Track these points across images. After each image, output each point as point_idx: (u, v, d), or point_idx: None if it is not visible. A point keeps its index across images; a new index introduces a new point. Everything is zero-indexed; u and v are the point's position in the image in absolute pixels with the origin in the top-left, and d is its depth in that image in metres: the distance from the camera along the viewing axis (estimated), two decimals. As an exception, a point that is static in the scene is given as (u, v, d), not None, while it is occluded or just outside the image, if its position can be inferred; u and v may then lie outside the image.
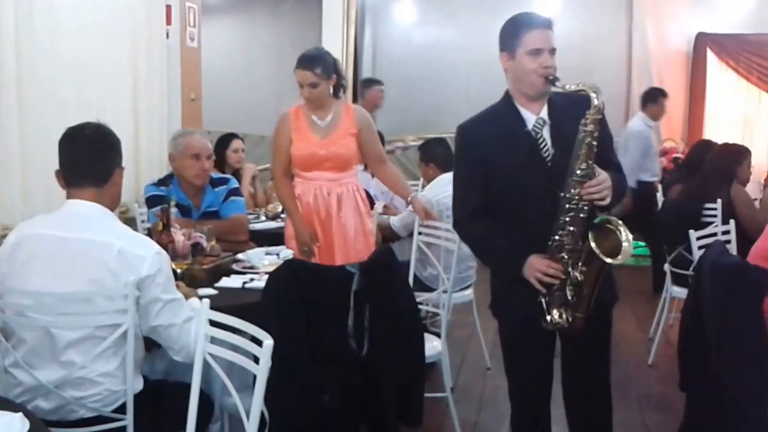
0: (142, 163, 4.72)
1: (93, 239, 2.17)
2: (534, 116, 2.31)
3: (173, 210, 3.16)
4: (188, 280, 2.73)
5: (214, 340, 2.01)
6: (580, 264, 2.23)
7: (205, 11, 5.92)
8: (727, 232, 3.95)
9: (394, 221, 4.29)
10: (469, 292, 4.32)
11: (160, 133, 4.81)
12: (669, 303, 4.62)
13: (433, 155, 4.43)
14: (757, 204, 4.83)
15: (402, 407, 2.62)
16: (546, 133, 2.30)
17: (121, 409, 2.20)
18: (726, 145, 4.98)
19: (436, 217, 3.83)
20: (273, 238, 3.78)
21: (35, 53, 3.72)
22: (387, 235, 4.24)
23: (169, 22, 5.05)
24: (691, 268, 3.66)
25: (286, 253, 3.25)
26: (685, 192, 4.77)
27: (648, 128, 6.24)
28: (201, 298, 2.42)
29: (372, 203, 4.18)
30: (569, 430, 2.56)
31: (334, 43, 7.72)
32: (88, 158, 2.27)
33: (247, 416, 1.85)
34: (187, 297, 2.40)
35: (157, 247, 2.23)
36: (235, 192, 3.72)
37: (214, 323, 2.03)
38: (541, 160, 2.29)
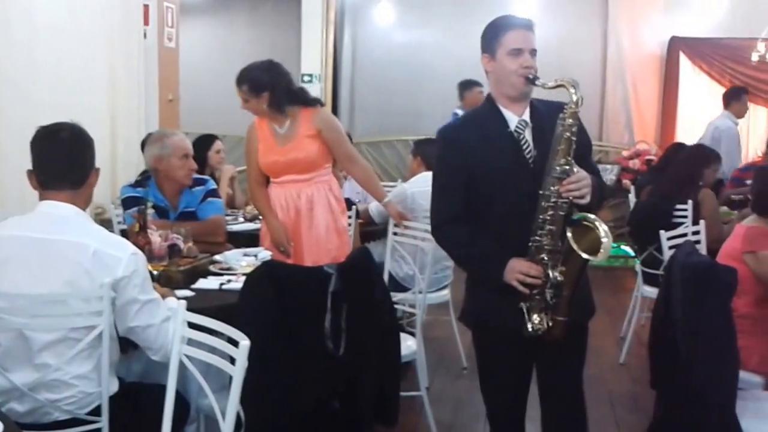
0: (119, 164, 4.71)
1: (68, 240, 2.17)
2: (517, 117, 2.31)
3: (150, 212, 3.16)
4: (165, 282, 2.74)
5: (190, 342, 2.02)
6: (559, 264, 2.19)
7: (183, 11, 5.92)
8: (697, 233, 4.03)
9: (372, 207, 4.37)
10: (446, 292, 4.36)
11: (137, 133, 4.80)
12: (640, 302, 4.69)
13: (423, 152, 4.50)
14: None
15: (378, 407, 2.65)
16: (528, 134, 2.30)
17: (96, 412, 2.20)
18: (697, 147, 5.07)
19: (410, 219, 3.90)
20: (251, 240, 3.80)
21: (11, 53, 3.71)
22: (365, 220, 4.35)
23: (146, 22, 5.04)
24: (662, 268, 3.72)
25: (264, 254, 3.26)
26: (655, 192, 4.85)
27: (736, 126, 6.27)
28: (179, 298, 2.43)
29: (351, 204, 4.22)
30: None
31: (314, 44, 7.74)
32: (65, 161, 2.27)
33: (224, 417, 1.87)
34: (164, 297, 2.40)
35: (132, 248, 2.23)
36: (213, 193, 3.73)
37: (190, 325, 2.04)
38: (523, 161, 2.27)
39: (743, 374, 2.81)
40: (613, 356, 4.62)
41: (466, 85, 6.74)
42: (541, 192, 2.19)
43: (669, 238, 3.81)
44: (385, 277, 3.74)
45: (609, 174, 7.19)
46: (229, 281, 2.84)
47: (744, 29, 7.39)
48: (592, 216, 2.22)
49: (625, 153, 7.51)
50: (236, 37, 9.08)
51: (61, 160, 2.27)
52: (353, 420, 2.55)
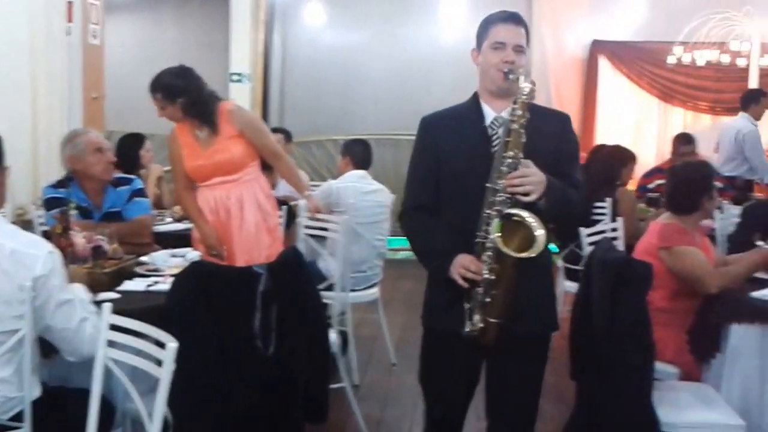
0: (41, 163, 4.58)
1: (-17, 241, 2.11)
2: (495, 114, 2.25)
3: (73, 213, 3.10)
4: (89, 284, 2.69)
5: (116, 345, 2.00)
6: (495, 261, 2.12)
7: (109, 8, 5.80)
8: (615, 230, 4.18)
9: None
10: (375, 290, 4.39)
11: (60, 132, 4.65)
12: (563, 297, 4.83)
13: (351, 151, 4.53)
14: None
15: (307, 405, 2.67)
16: (503, 132, 2.21)
17: (19, 417, 2.15)
18: (615, 147, 5.24)
19: (326, 212, 3.94)
20: (179, 240, 3.75)
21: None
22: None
23: (70, 19, 4.92)
24: (582, 264, 3.85)
25: (192, 255, 3.23)
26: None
27: (756, 127, 6.31)
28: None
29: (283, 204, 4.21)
30: None
31: (243, 42, 7.69)
32: None
33: (151, 420, 1.85)
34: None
35: (49, 246, 2.19)
36: (139, 193, 3.67)
37: (116, 327, 2.02)
38: (488, 157, 2.19)
39: (659, 365, 2.93)
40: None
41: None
42: (487, 185, 2.13)
43: (588, 235, 3.94)
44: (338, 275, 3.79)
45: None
46: (156, 282, 2.80)
47: (661, 33, 7.67)
48: (525, 212, 2.09)
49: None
50: (164, 34, 8.93)
51: None
52: (283, 419, 2.56)
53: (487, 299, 2.14)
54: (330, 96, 8.35)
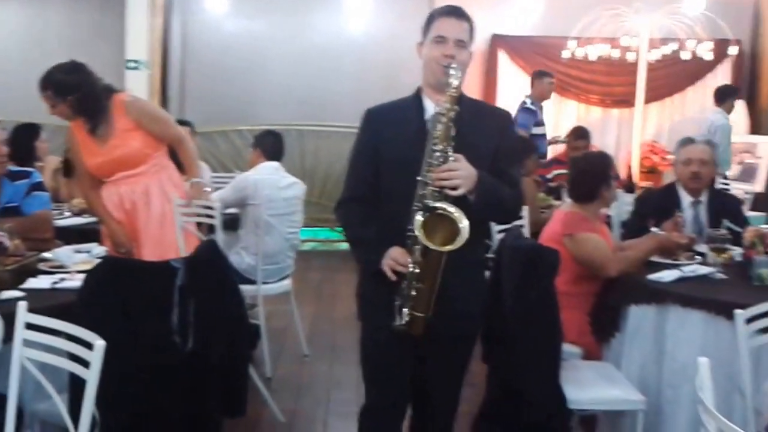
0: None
1: None
2: (437, 109, 2.22)
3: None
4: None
5: (31, 344, 1.94)
6: (422, 255, 2.11)
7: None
8: (520, 218, 4.34)
9: (216, 194, 4.22)
10: (287, 282, 4.40)
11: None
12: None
13: (263, 143, 4.49)
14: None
15: (226, 399, 2.65)
16: (431, 126, 2.20)
17: None
18: (519, 138, 5.41)
19: (207, 198, 3.82)
20: (81, 235, 3.64)
21: None
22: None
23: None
24: (492, 252, 3.97)
25: (98, 250, 3.14)
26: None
27: (728, 121, 6.73)
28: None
29: None
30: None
31: (140, 28, 7.45)
32: None
33: (75, 422, 1.81)
34: None
35: None
36: (38, 186, 3.52)
37: (30, 326, 1.95)
38: (424, 151, 2.17)
39: (564, 346, 3.06)
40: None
41: (538, 75, 6.79)
42: (418, 178, 2.13)
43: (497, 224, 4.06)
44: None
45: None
46: (62, 279, 2.70)
47: (557, 28, 7.90)
48: (449, 205, 2.09)
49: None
50: (55, 18, 8.43)
51: None
52: (202, 413, 2.54)
53: (413, 292, 2.14)
54: (233, 85, 8.18)
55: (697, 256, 3.28)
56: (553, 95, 8.50)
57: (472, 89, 8.37)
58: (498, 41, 8.40)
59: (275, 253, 4.26)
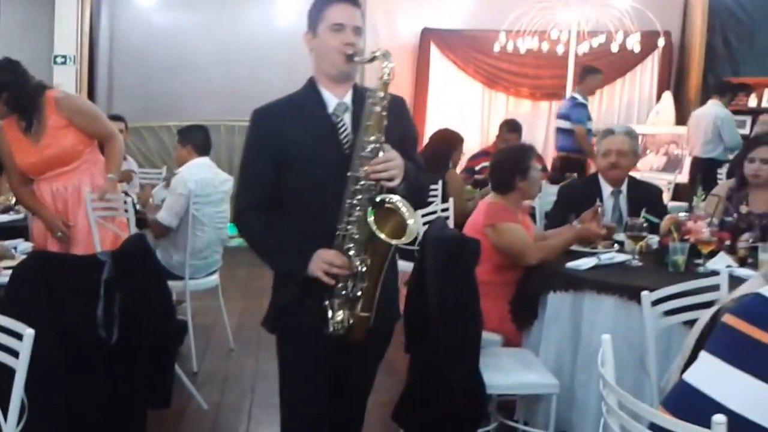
0: None
1: None
2: (337, 100, 2.15)
3: None
4: None
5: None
6: (363, 252, 2.03)
7: None
8: (446, 209, 4.42)
9: (161, 216, 4.11)
10: (215, 277, 4.39)
11: None
12: (400, 277, 5.01)
13: (193, 139, 4.41)
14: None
15: (151, 391, 2.66)
16: (348, 118, 2.14)
17: None
18: (443, 131, 5.47)
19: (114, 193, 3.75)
20: (7, 232, 3.63)
21: None
22: (162, 233, 4.12)
23: None
24: (417, 243, 4.03)
25: (24, 246, 3.14)
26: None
27: (729, 113, 6.98)
28: None
29: None
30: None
31: (68, 23, 7.28)
32: None
33: (4, 411, 1.82)
34: None
35: None
36: (-41, 184, 3.47)
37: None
38: (338, 145, 2.11)
39: (484, 334, 3.14)
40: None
41: (590, 71, 6.79)
42: (349, 173, 2.03)
43: (422, 215, 4.14)
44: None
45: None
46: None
47: (488, 22, 7.96)
48: (396, 197, 2.03)
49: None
50: None
51: None
52: (127, 405, 2.55)
53: (358, 293, 2.05)
54: (161, 80, 8.03)
55: (616, 245, 3.39)
56: (482, 87, 8.66)
57: (404, 84, 8.40)
58: (429, 35, 8.43)
59: (204, 248, 4.25)
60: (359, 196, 2.02)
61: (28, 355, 1.80)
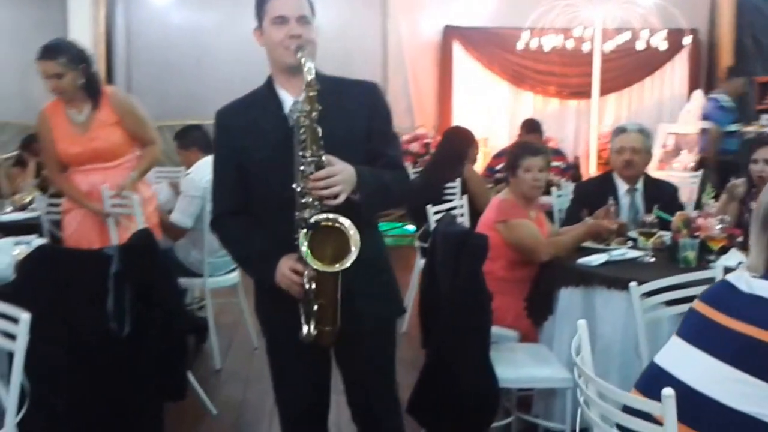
0: None
1: None
2: (293, 98, 2.02)
3: None
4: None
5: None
6: (312, 269, 1.92)
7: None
8: (461, 206, 4.43)
9: (175, 217, 4.12)
10: (234, 275, 4.39)
11: None
12: (419, 275, 5.01)
13: (193, 139, 4.45)
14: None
15: (165, 384, 2.70)
16: (295, 130, 1.98)
17: None
18: (455, 129, 5.47)
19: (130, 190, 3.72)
20: (22, 230, 3.67)
21: None
22: (178, 234, 4.15)
23: None
24: (428, 240, 4.05)
25: (37, 241, 3.18)
26: (426, 173, 5.24)
27: None
28: None
29: None
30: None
31: (82, 23, 7.30)
32: None
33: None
34: None
35: None
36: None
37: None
38: (292, 149, 1.96)
39: (501, 330, 3.19)
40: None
41: (738, 73, 6.91)
42: (294, 187, 1.92)
43: (435, 213, 4.14)
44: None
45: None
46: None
47: (510, 20, 7.92)
48: (335, 216, 1.90)
49: (405, 137, 7.75)
50: None
51: None
52: (140, 397, 2.58)
53: (315, 307, 1.96)
54: (179, 78, 8.07)
55: (630, 241, 3.38)
56: (508, 86, 8.62)
57: (428, 81, 8.38)
58: (451, 32, 8.40)
59: (221, 246, 4.25)
60: (307, 211, 1.92)
61: (25, 339, 1.84)
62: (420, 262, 4.85)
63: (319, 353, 2.13)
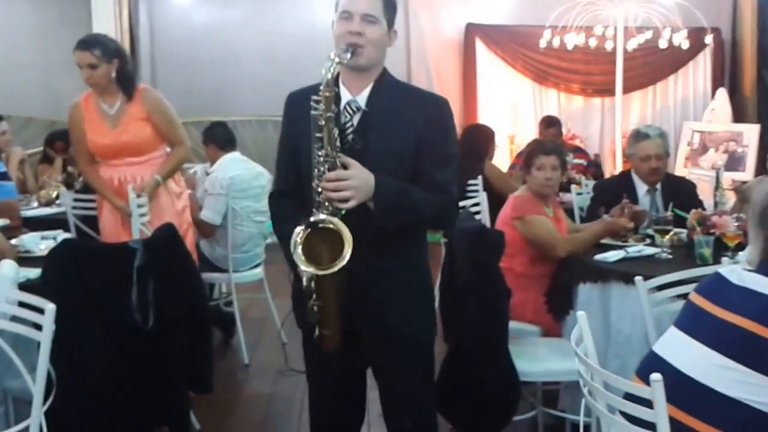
0: None
1: None
2: (350, 96, 2.02)
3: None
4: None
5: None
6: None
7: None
8: (480, 203, 4.47)
9: (205, 215, 4.20)
10: (258, 270, 4.44)
11: None
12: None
13: (212, 136, 4.51)
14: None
15: (192, 376, 2.76)
16: (357, 119, 2.01)
17: None
18: (474, 126, 5.51)
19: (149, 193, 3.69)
20: (48, 225, 3.70)
21: None
22: (209, 231, 4.23)
23: None
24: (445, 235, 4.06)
25: (63, 236, 3.24)
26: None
27: None
28: None
29: None
30: None
31: (106, 20, 7.29)
32: None
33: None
34: None
35: None
36: (3, 176, 3.63)
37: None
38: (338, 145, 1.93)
39: (522, 325, 3.22)
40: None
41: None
42: (312, 184, 1.92)
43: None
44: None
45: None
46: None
47: (531, 18, 7.86)
48: (331, 219, 1.88)
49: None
50: (18, 12, 8.18)
51: None
52: (166, 389, 2.64)
53: (315, 308, 1.95)
54: (205, 75, 8.08)
55: (647, 238, 3.40)
56: (532, 83, 8.58)
57: (451, 80, 8.35)
58: (473, 30, 8.36)
59: (245, 242, 4.32)
60: (321, 209, 1.91)
61: (50, 329, 1.89)
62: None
63: (354, 373, 2.16)
